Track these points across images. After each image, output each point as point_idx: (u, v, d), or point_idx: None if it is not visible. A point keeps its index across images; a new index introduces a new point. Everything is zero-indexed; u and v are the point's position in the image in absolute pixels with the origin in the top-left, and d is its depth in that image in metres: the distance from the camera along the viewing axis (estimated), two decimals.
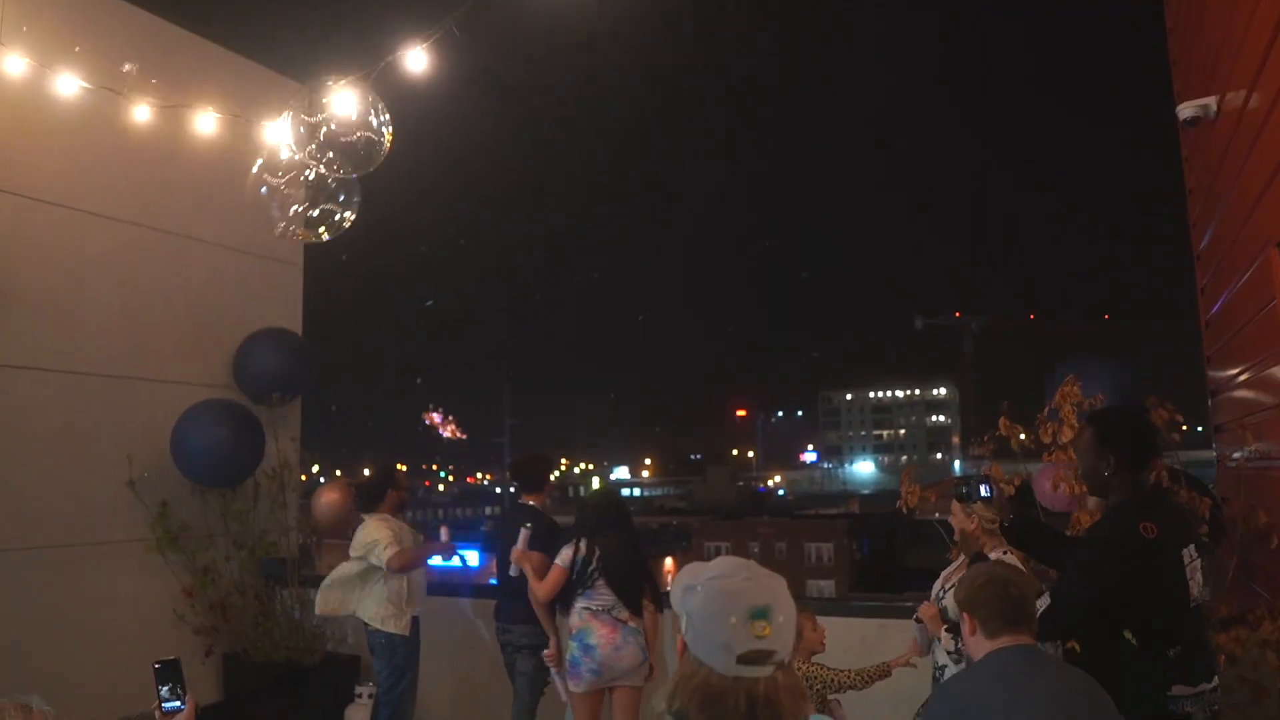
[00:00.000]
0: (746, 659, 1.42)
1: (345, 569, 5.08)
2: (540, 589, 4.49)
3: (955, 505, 3.43)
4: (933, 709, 2.43)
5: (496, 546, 5.14)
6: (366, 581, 5.03)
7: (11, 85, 4.77)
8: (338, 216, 3.95)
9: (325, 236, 3.97)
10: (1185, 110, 4.15)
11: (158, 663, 2.39)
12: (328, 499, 5.97)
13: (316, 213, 3.95)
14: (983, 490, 3.18)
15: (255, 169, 3.90)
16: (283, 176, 3.82)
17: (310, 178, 3.82)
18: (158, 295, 5.88)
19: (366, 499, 5.17)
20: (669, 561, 40.04)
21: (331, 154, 3.50)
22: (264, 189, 3.87)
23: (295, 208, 3.92)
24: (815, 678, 3.54)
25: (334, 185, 3.88)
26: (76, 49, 4.95)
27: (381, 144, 3.52)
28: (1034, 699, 2.16)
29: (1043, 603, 2.74)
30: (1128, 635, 2.64)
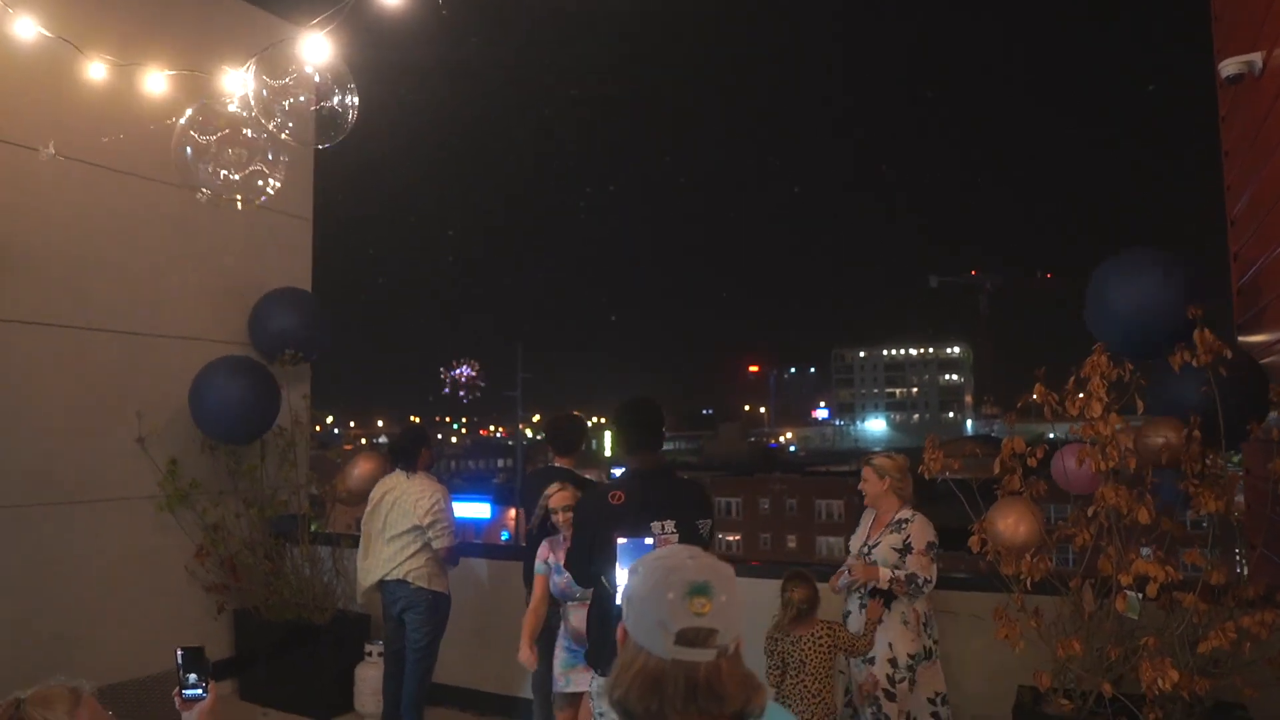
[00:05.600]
0: (685, 639, 1.32)
1: (394, 531, 4.99)
2: None
3: (868, 471, 4.05)
4: None
5: (513, 501, 5.14)
6: (412, 540, 4.99)
7: (16, 40, 4.61)
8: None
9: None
10: (1229, 67, 3.96)
11: (182, 649, 2.34)
12: (362, 469, 5.80)
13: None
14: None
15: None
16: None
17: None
18: (167, 250, 5.79)
19: (405, 457, 5.15)
20: None
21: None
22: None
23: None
24: (840, 640, 3.77)
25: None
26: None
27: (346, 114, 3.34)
28: None
29: None
30: (604, 580, 3.28)
